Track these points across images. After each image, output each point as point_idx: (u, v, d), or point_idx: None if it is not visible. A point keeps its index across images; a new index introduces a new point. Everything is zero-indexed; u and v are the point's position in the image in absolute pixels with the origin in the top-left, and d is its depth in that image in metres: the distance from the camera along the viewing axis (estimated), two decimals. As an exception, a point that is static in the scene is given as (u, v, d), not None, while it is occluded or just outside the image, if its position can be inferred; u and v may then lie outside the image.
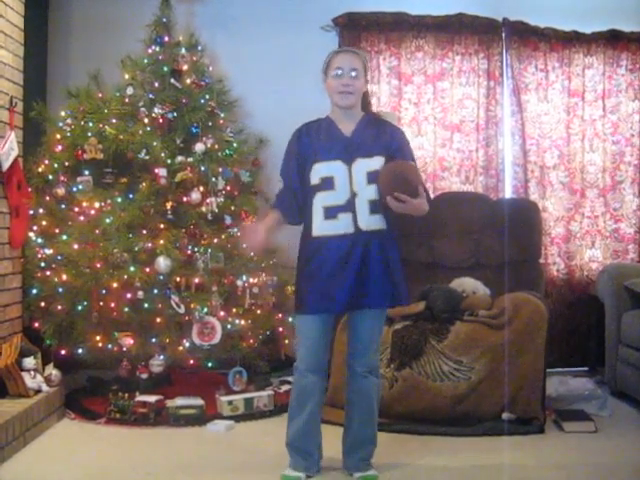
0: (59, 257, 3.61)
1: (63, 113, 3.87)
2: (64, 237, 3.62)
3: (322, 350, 2.72)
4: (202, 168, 3.80)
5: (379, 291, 2.65)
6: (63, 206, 3.74)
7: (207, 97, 4.01)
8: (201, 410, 3.46)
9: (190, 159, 3.80)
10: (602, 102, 4.69)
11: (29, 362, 3.35)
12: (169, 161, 3.76)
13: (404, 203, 2.54)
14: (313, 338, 2.70)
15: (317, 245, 2.67)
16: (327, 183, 2.64)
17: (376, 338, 2.74)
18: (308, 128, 2.75)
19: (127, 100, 3.89)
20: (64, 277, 3.54)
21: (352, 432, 2.77)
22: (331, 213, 2.64)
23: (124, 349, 3.53)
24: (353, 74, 2.66)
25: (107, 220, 3.57)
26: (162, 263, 3.50)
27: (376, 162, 2.64)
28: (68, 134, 3.77)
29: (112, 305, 3.53)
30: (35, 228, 3.70)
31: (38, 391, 3.32)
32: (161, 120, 3.84)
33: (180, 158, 3.79)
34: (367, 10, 4.53)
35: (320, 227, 2.66)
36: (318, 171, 2.66)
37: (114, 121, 3.75)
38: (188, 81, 4.01)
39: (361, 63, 2.70)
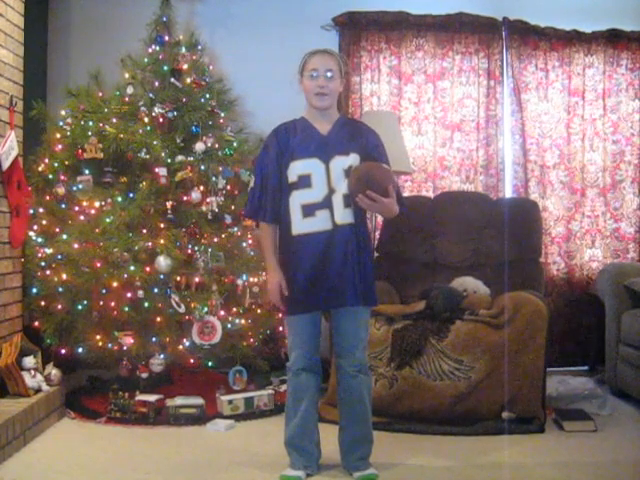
0: (59, 256, 3.60)
1: (63, 112, 3.87)
2: (64, 236, 3.61)
3: (313, 348, 2.73)
4: (202, 167, 3.80)
5: (358, 289, 2.66)
6: (63, 205, 3.74)
7: (207, 96, 4.01)
8: (201, 409, 3.46)
9: (190, 158, 3.80)
10: (602, 101, 4.69)
11: (29, 361, 3.35)
12: (169, 160, 3.76)
13: (375, 202, 2.56)
14: (302, 338, 2.72)
15: (297, 244, 2.68)
16: (304, 181, 2.66)
17: (362, 336, 2.74)
18: (285, 128, 2.76)
19: (127, 99, 3.89)
20: (64, 276, 3.54)
21: (347, 432, 2.77)
22: (309, 211, 2.65)
23: (124, 348, 3.54)
24: (329, 75, 2.68)
25: (107, 219, 3.57)
26: (162, 262, 3.50)
27: (352, 159, 2.67)
28: (68, 133, 3.77)
29: (112, 304, 3.53)
30: (35, 227, 3.70)
31: (38, 390, 3.32)
32: (161, 119, 3.83)
33: (180, 157, 3.79)
34: (367, 9, 4.54)
35: (299, 225, 2.67)
36: (295, 169, 2.67)
37: (114, 120, 3.75)
38: (188, 80, 4.01)
39: (337, 64, 2.71)
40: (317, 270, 2.65)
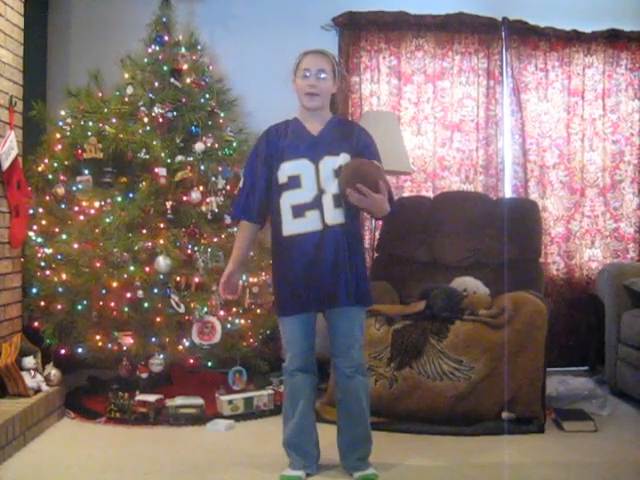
0: (59, 256, 3.60)
1: (63, 112, 3.87)
2: (64, 236, 3.61)
3: (308, 349, 2.72)
4: (202, 167, 3.80)
5: (350, 289, 2.65)
6: (63, 205, 3.74)
7: (207, 96, 4.01)
8: (201, 409, 3.46)
9: (190, 158, 3.80)
10: (602, 101, 4.69)
11: (29, 361, 3.36)
12: (169, 160, 3.75)
13: (365, 196, 2.54)
14: (296, 338, 2.71)
15: (288, 245, 2.67)
16: (294, 181, 2.65)
17: (357, 336, 2.72)
18: (276, 129, 2.75)
19: (127, 99, 3.89)
20: (64, 276, 3.54)
21: (345, 433, 2.77)
22: (299, 211, 2.64)
23: (124, 348, 3.53)
24: (321, 75, 2.67)
25: (107, 219, 3.57)
26: (162, 262, 3.50)
27: (342, 159, 2.65)
28: (68, 133, 3.77)
29: (112, 304, 3.52)
30: (35, 227, 3.70)
31: (38, 390, 3.32)
32: (161, 119, 3.83)
33: (180, 157, 3.79)
34: (367, 9, 4.54)
35: (290, 226, 2.66)
36: (285, 170, 2.66)
37: (114, 120, 3.75)
38: (188, 80, 4.00)
39: (330, 64, 2.69)
40: (308, 270, 2.64)
